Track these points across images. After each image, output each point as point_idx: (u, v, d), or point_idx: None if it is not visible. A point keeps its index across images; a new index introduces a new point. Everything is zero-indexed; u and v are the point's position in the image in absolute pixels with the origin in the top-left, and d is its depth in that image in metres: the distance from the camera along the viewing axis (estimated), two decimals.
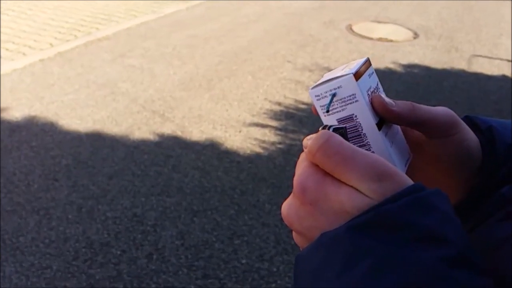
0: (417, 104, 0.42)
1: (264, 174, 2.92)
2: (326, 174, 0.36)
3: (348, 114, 0.41)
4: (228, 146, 3.20)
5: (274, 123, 3.55)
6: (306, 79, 4.35)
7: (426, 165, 0.45)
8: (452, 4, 7.53)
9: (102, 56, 4.56)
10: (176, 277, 2.16)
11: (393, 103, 0.41)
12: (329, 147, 0.35)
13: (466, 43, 5.69)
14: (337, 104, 0.41)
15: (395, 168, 0.35)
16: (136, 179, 2.80)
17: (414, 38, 5.79)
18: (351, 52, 5.12)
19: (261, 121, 3.56)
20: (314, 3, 7.03)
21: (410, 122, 0.42)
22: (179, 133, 3.32)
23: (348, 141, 0.37)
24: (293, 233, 0.39)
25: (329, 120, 0.42)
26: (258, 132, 3.40)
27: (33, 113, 3.45)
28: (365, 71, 0.41)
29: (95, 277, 2.13)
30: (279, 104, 3.85)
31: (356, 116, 0.40)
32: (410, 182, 0.34)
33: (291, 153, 3.18)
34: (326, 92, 0.41)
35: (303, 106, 3.85)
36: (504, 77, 4.73)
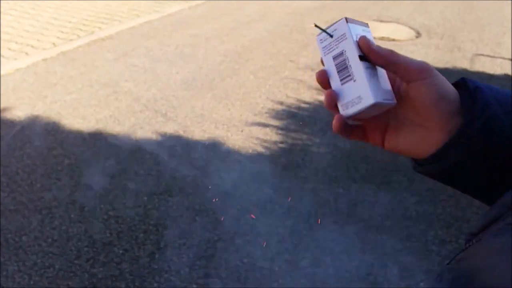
0: (396, 52, 0.49)
1: (266, 174, 2.93)
2: None
3: (339, 50, 0.50)
4: (230, 146, 3.21)
5: (276, 123, 3.55)
6: (308, 79, 4.35)
7: (408, 111, 0.51)
8: (454, 3, 7.51)
9: (105, 56, 4.57)
10: (178, 276, 2.17)
11: (375, 45, 0.48)
12: None
13: (468, 42, 5.68)
14: (333, 44, 0.50)
15: None
16: (138, 179, 2.81)
17: (417, 37, 5.78)
18: None
19: (263, 121, 3.56)
20: (316, 2, 7.02)
21: (387, 62, 0.49)
22: (181, 133, 3.33)
23: (338, 74, 0.49)
24: None
25: (327, 59, 0.50)
26: (260, 132, 3.40)
27: (36, 113, 3.47)
28: (359, 24, 0.51)
29: (97, 276, 2.14)
30: (281, 103, 3.85)
31: (345, 51, 0.49)
32: None
33: (293, 152, 3.18)
34: (327, 35, 0.50)
35: (305, 106, 3.85)
36: (506, 76, 4.72)
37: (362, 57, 0.49)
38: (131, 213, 2.53)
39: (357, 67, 0.48)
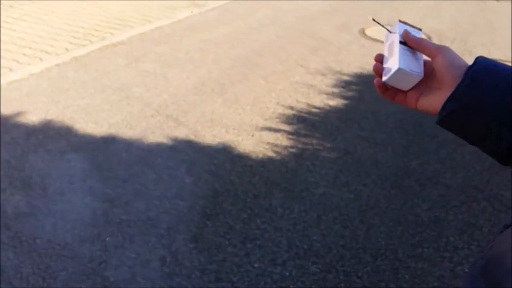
0: (425, 40, 0.71)
1: (277, 178, 2.93)
2: None
3: (391, 40, 0.73)
4: (241, 150, 3.22)
5: (286, 127, 3.56)
6: (318, 83, 4.36)
7: (434, 81, 0.71)
8: (466, 7, 7.47)
9: (116, 61, 4.62)
10: (189, 280, 2.18)
11: (411, 34, 0.72)
12: None
13: (480, 46, 5.64)
14: (390, 36, 0.74)
15: None
16: (150, 183, 2.83)
17: None
18: (364, 56, 5.11)
19: (273, 125, 3.57)
20: (326, 6, 7.03)
21: (417, 45, 0.71)
22: (192, 137, 3.35)
23: (388, 55, 0.72)
24: None
25: (385, 47, 0.74)
26: (270, 136, 3.42)
27: (49, 117, 3.51)
28: (410, 25, 0.73)
29: (109, 280, 2.16)
30: (292, 108, 3.86)
31: (394, 41, 0.72)
32: None
33: (303, 157, 3.19)
34: (388, 32, 0.76)
35: (315, 110, 3.85)
36: None
37: (402, 42, 0.70)
38: (143, 217, 2.55)
39: (396, 48, 0.70)
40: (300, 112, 3.81)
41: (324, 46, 5.36)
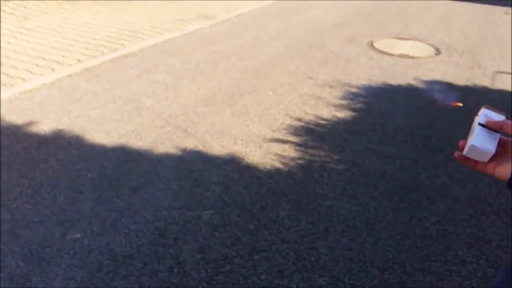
0: (507, 120, 0.83)
1: (284, 190, 2.94)
2: None
3: (476, 122, 0.86)
4: (249, 161, 3.24)
5: (294, 139, 3.57)
6: (326, 95, 4.37)
7: (511, 153, 0.83)
8: (475, 20, 7.47)
9: (128, 72, 4.68)
10: None
11: (493, 120, 0.85)
12: None
13: (489, 59, 5.64)
14: (476, 119, 0.87)
15: None
16: (158, 193, 2.85)
17: (436, 54, 5.76)
18: (372, 69, 5.13)
19: (281, 137, 3.59)
20: (336, 19, 7.08)
21: (501, 126, 0.83)
22: (201, 148, 3.38)
23: (472, 131, 0.86)
24: None
25: (472, 127, 0.87)
26: (278, 148, 3.43)
27: (60, 127, 3.57)
28: (494, 111, 0.88)
29: None
30: (300, 120, 3.88)
31: (476, 122, 0.86)
32: None
33: (311, 169, 3.19)
34: (479, 116, 0.88)
35: (323, 122, 3.87)
36: None
37: (481, 124, 0.85)
38: (151, 227, 2.57)
39: (475, 128, 0.85)
40: (308, 123, 3.83)
41: (332, 59, 5.39)
